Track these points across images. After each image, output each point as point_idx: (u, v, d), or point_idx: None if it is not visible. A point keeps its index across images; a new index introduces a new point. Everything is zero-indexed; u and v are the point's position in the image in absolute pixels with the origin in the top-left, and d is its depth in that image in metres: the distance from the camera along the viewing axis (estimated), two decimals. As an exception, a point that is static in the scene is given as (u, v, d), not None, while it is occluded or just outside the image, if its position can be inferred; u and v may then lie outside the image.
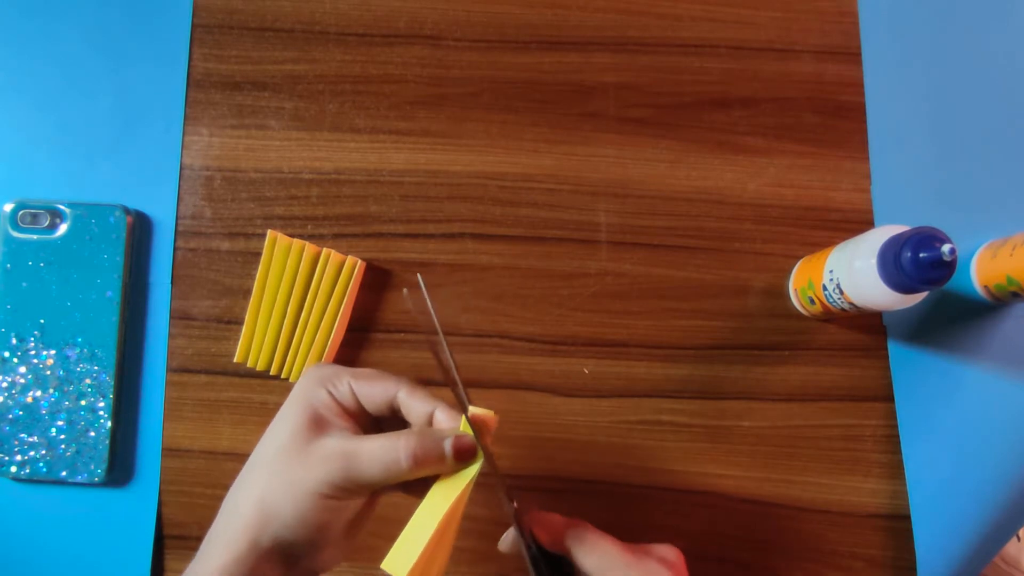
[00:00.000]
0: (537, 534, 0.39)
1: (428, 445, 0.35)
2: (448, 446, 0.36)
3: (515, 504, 0.38)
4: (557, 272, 0.54)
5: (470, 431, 0.36)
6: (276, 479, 0.35)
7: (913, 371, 0.52)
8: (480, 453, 0.36)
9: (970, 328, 0.52)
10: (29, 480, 0.52)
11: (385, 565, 0.34)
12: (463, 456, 0.36)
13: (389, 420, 0.39)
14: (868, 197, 0.54)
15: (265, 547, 0.34)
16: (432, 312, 0.39)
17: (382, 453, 0.35)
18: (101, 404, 0.51)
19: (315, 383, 0.37)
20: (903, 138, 0.55)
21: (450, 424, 0.37)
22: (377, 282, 0.54)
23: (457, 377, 0.38)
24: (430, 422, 0.37)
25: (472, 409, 0.37)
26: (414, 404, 0.37)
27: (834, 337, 0.53)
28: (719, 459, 0.52)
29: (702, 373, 0.53)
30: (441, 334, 0.38)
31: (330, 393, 0.37)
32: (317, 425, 0.36)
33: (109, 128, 0.55)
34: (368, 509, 0.38)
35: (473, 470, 0.36)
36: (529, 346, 0.53)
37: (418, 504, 0.36)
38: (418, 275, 0.40)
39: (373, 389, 0.37)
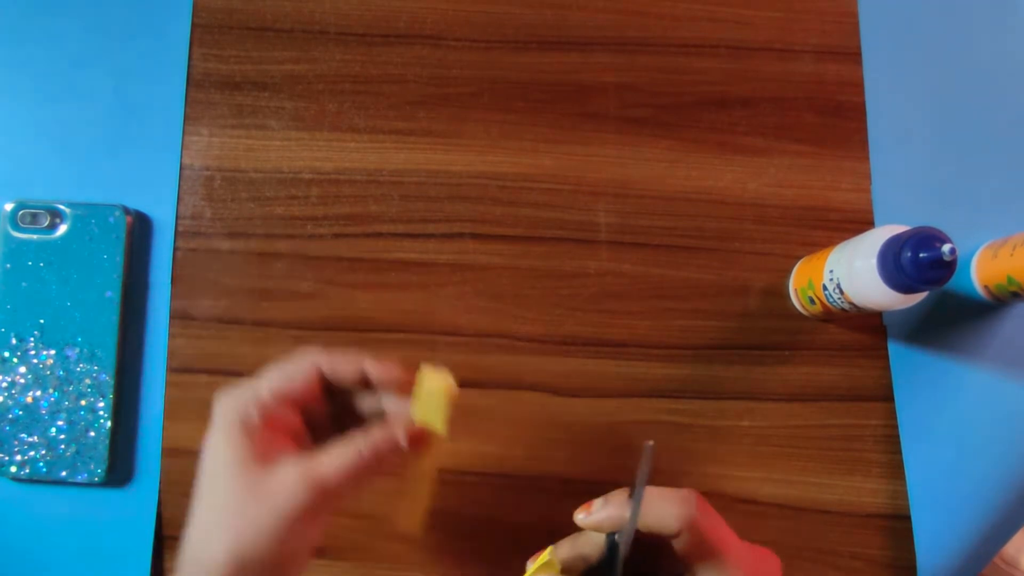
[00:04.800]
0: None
1: (381, 442, 0.37)
2: (402, 438, 0.37)
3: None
4: (557, 272, 0.54)
5: (431, 417, 0.38)
6: (246, 526, 0.34)
7: (913, 371, 0.52)
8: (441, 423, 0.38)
9: (970, 328, 0.52)
10: (29, 480, 0.52)
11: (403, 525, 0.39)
12: (418, 446, 0.38)
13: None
14: (868, 197, 0.54)
15: None
16: (643, 477, 0.37)
17: (343, 461, 0.36)
18: (101, 404, 0.51)
19: (236, 411, 0.37)
20: (903, 138, 0.55)
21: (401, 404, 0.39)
22: (377, 282, 0.54)
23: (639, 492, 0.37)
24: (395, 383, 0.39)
25: (428, 376, 0.39)
26: (378, 370, 0.39)
27: (834, 337, 0.53)
28: (719, 459, 0.52)
29: (702, 373, 0.53)
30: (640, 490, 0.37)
31: (256, 413, 0.37)
32: (262, 455, 0.36)
33: (109, 128, 0.55)
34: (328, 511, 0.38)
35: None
36: (529, 346, 0.53)
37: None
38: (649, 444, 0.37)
39: (344, 368, 0.39)
